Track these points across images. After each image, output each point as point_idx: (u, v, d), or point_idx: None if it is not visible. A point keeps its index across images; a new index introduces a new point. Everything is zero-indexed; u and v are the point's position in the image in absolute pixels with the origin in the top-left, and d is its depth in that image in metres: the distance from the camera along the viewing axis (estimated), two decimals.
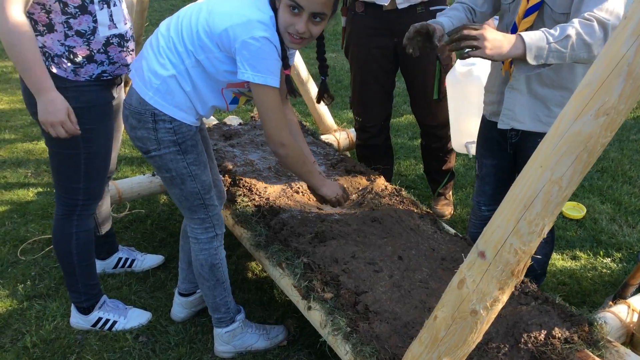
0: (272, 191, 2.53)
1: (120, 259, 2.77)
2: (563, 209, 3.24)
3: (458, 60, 2.61)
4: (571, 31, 1.65)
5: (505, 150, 2.18)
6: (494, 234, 1.23)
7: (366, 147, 3.19)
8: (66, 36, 1.98)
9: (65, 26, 1.97)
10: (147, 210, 3.28)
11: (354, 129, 3.42)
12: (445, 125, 3.08)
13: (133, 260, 2.78)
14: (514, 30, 1.91)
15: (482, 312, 1.28)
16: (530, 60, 1.68)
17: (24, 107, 4.71)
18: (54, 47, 1.99)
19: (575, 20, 1.68)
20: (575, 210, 3.24)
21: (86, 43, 2.02)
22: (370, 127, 3.09)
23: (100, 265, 2.72)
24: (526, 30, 1.85)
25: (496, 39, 1.68)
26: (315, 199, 2.20)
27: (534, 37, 1.68)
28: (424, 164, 3.33)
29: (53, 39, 1.98)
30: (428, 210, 2.43)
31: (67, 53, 2.00)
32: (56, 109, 1.92)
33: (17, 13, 1.80)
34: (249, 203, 2.42)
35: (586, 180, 3.57)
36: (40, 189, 3.49)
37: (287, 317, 2.47)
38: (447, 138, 3.13)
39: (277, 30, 1.77)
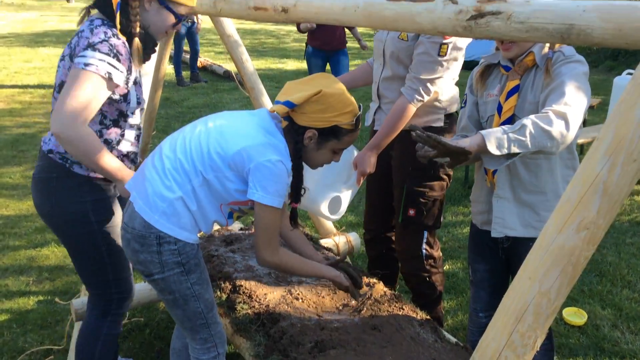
0: (272, 297, 2.54)
1: None
2: (564, 314, 3.23)
3: None
4: (526, 121, 1.77)
5: (497, 255, 2.23)
6: (489, 347, 1.25)
7: (369, 246, 3.21)
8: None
9: (98, 134, 2.10)
10: (146, 319, 3.26)
11: (354, 233, 3.48)
12: (411, 258, 2.85)
13: None
14: None
15: None
16: (492, 149, 1.77)
17: (29, 214, 4.82)
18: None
19: (532, 115, 1.80)
20: (577, 317, 3.22)
21: (109, 149, 2.14)
22: (371, 231, 3.15)
23: None
24: None
25: (456, 138, 1.86)
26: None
27: (491, 130, 1.80)
28: None
29: None
30: (428, 317, 2.43)
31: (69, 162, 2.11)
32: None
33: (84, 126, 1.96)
34: (249, 310, 2.42)
35: (585, 285, 3.58)
36: (40, 297, 3.50)
37: None
38: (417, 275, 2.88)
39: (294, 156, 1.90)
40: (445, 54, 2.44)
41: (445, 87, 2.59)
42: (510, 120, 1.99)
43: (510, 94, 1.99)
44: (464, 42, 2.48)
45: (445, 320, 3.24)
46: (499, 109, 2.02)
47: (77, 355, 2.33)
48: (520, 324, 1.21)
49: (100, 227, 2.16)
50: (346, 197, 2.90)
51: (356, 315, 2.41)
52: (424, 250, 2.82)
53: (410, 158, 2.33)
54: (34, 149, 6.57)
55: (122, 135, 2.17)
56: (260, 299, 2.51)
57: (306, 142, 1.89)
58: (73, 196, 2.12)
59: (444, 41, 2.41)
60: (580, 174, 1.20)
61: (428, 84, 2.50)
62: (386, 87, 2.72)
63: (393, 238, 3.10)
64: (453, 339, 2.32)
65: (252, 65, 3.20)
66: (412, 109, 2.56)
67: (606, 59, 11.81)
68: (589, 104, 1.87)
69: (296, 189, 1.97)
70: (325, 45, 6.58)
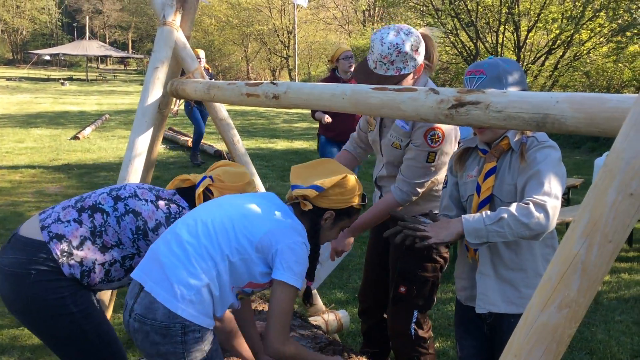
0: None
1: None
2: None
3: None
4: (505, 214, 1.86)
5: (482, 330, 2.25)
6: None
7: (362, 318, 3.21)
8: (102, 265, 2.14)
9: (110, 263, 2.15)
10: None
11: (343, 311, 3.47)
12: (400, 336, 2.83)
13: None
14: None
15: None
16: (470, 239, 1.89)
17: None
18: (86, 261, 2.11)
19: (514, 204, 1.89)
20: None
21: (105, 280, 2.18)
22: (365, 302, 3.17)
23: None
24: None
25: (438, 225, 1.93)
26: None
27: (471, 220, 1.90)
28: None
29: (94, 257, 2.12)
30: None
31: (87, 270, 2.12)
32: None
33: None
34: None
35: None
36: None
37: None
38: (406, 353, 2.85)
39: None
40: (434, 161, 2.57)
41: (442, 178, 2.68)
42: (489, 200, 2.09)
43: (487, 175, 2.11)
44: (450, 146, 2.59)
45: None
46: (478, 189, 2.13)
47: None
48: None
49: (83, 314, 2.14)
50: (322, 269, 2.99)
51: None
52: (412, 330, 2.80)
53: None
54: None
55: (124, 276, 2.22)
56: None
57: (323, 222, 2.01)
58: (52, 292, 2.08)
59: (432, 149, 2.54)
60: (559, 253, 1.26)
61: (417, 187, 2.62)
62: (383, 182, 2.87)
63: (386, 316, 3.09)
64: None
65: (243, 146, 3.31)
66: (399, 207, 2.67)
67: (588, 141, 12.20)
68: (564, 187, 1.98)
69: (312, 267, 2.05)
70: (341, 136, 6.15)
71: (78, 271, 2.11)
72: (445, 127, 2.53)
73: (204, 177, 2.28)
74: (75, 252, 2.10)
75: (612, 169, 1.22)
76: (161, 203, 2.22)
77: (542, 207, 1.85)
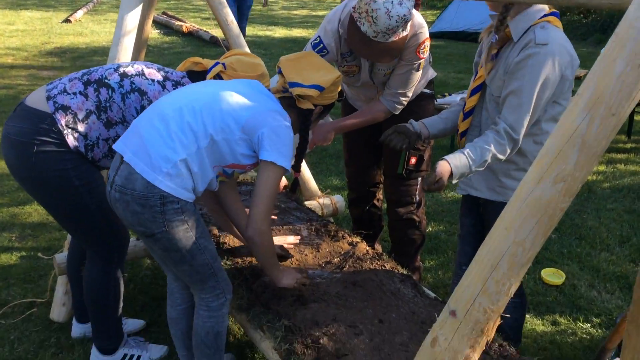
0: None
1: None
2: (543, 275, 3.31)
3: None
4: (488, 155, 1.97)
5: (479, 211, 2.30)
6: (464, 293, 1.29)
7: (353, 205, 3.33)
8: (106, 140, 2.15)
9: (114, 139, 2.15)
10: (130, 274, 3.28)
11: (338, 196, 3.52)
12: (406, 204, 3.01)
13: None
14: (463, 106, 2.19)
15: None
16: (454, 181, 1.99)
17: None
18: (90, 134, 2.12)
19: (491, 139, 1.98)
20: (555, 277, 3.30)
21: (108, 156, 2.18)
22: (356, 190, 3.22)
23: (81, 329, 2.72)
24: (472, 107, 2.14)
25: (443, 170, 1.95)
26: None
27: (459, 165, 1.96)
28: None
29: (98, 132, 2.13)
30: (409, 273, 2.48)
31: (90, 143, 2.13)
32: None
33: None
34: (232, 266, 2.45)
35: (565, 247, 3.66)
36: (24, 253, 3.50)
37: None
38: (410, 219, 3.05)
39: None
40: (422, 67, 2.70)
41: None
42: (480, 87, 2.12)
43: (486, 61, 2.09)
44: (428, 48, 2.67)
45: (426, 278, 3.31)
46: (475, 74, 2.14)
47: (93, 307, 2.39)
48: (495, 271, 1.24)
49: (85, 188, 2.15)
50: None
51: (338, 272, 2.45)
52: (417, 197, 3.01)
53: (409, 114, 2.63)
54: None
55: (107, 157, 2.21)
56: (243, 254, 2.54)
57: (314, 117, 2.09)
58: (55, 163, 2.08)
59: (421, 59, 2.64)
60: (559, 128, 1.22)
61: (408, 94, 2.75)
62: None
63: (377, 194, 3.27)
64: (432, 294, 2.37)
65: (237, 27, 3.17)
66: (389, 115, 2.81)
67: (595, 32, 11.79)
68: (546, 98, 1.98)
69: (300, 159, 2.13)
70: None
71: (82, 144, 2.11)
72: (428, 33, 2.61)
73: (217, 63, 2.23)
74: (79, 125, 2.09)
75: (623, 38, 1.15)
76: (168, 84, 2.19)
77: (514, 142, 1.98)
